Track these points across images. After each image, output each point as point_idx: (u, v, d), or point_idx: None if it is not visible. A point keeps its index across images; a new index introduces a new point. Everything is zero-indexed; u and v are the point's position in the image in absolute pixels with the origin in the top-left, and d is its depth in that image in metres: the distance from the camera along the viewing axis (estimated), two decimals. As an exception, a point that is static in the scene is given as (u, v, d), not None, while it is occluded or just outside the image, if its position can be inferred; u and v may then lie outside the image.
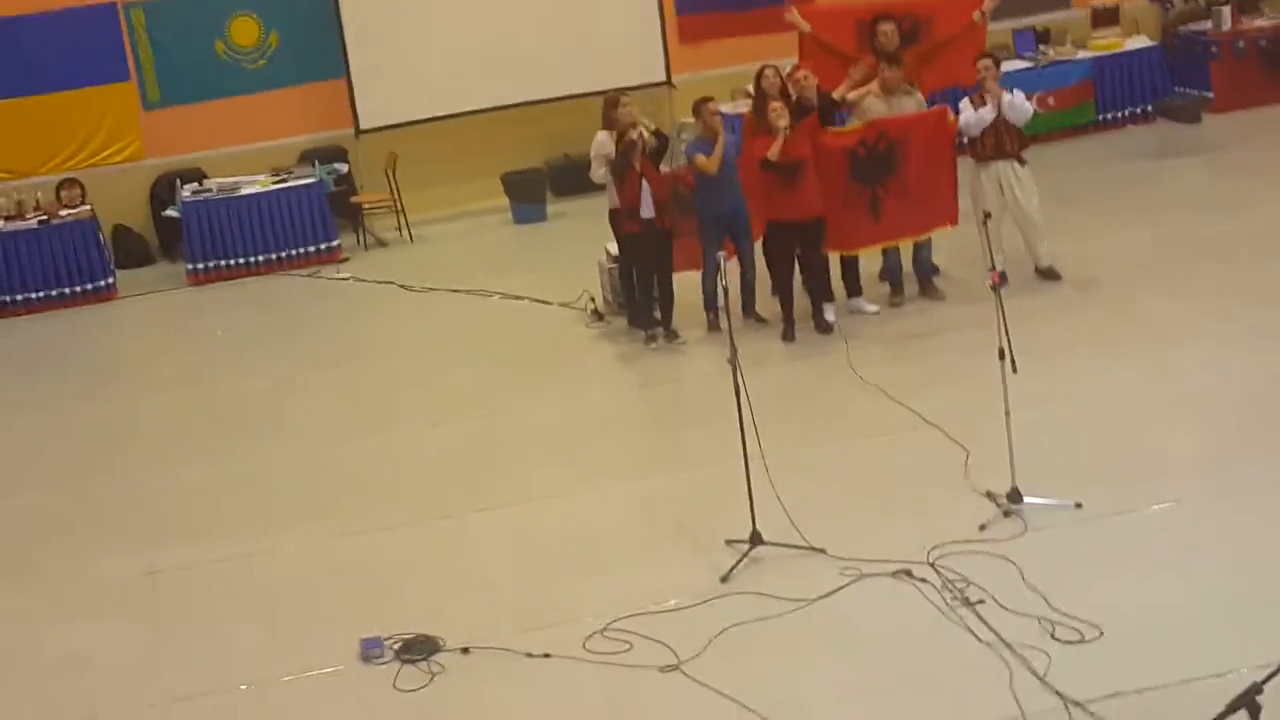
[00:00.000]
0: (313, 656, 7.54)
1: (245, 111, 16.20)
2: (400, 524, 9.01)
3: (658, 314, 11.52)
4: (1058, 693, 6.40)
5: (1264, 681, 4.97)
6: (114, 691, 7.49)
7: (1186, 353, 10.02)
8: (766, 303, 11.59)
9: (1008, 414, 8.01)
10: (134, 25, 16.03)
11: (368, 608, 7.92)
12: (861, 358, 10.64)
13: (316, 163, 15.91)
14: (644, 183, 11.15)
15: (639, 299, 11.63)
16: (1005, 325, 7.90)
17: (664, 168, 11.67)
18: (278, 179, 15.53)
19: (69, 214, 15.08)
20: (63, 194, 15.28)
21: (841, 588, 7.51)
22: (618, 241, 11.80)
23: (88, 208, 15.22)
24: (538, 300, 12.97)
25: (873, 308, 11.61)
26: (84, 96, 15.90)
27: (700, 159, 11.19)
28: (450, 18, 16.19)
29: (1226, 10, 16.77)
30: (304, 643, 7.70)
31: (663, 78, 16.71)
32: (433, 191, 16.28)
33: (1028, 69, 16.29)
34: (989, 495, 8.18)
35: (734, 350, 7.93)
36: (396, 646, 7.46)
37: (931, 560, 7.61)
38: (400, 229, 16.04)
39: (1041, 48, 16.84)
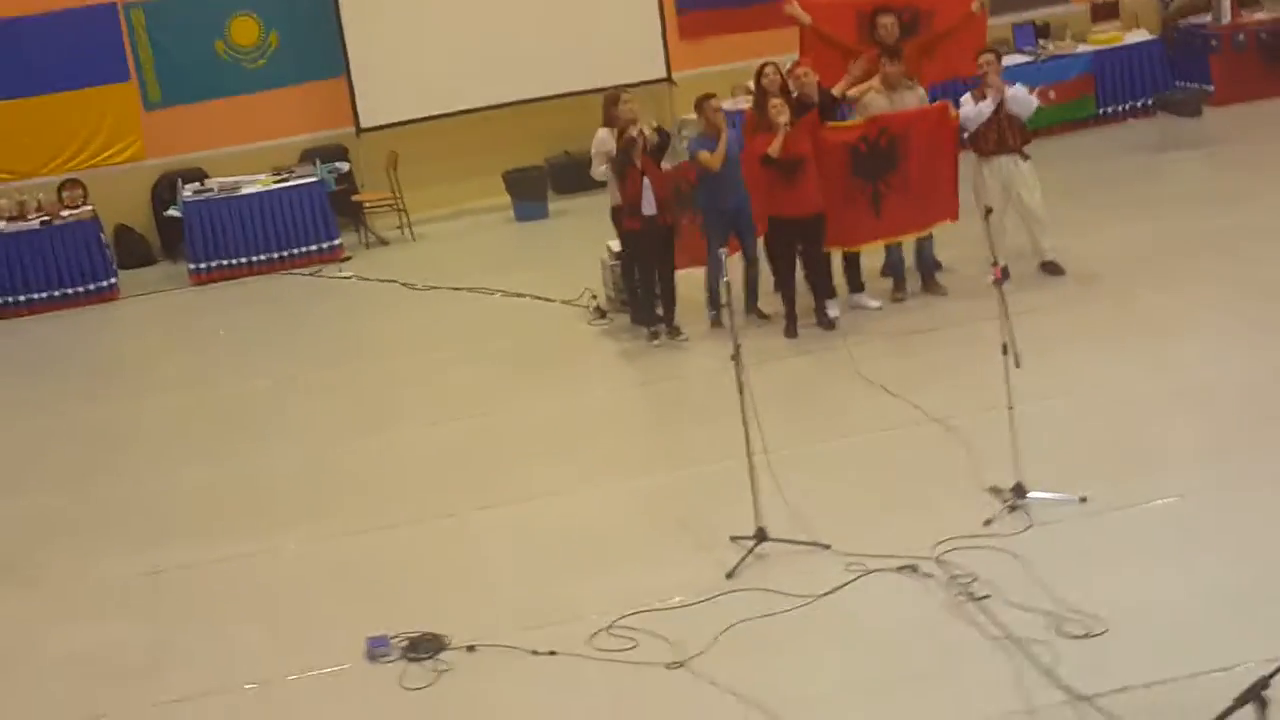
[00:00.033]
0: (316, 656, 7.53)
1: (246, 111, 16.21)
2: (402, 523, 9.01)
3: (660, 311, 11.52)
4: (1064, 687, 6.38)
5: (1271, 675, 4.98)
6: (117, 691, 7.48)
7: (1187, 346, 10.01)
8: (769, 299, 11.59)
9: (1011, 409, 8.01)
10: (134, 25, 16.03)
11: (370, 607, 7.91)
12: (864, 353, 10.63)
13: (317, 162, 15.90)
14: (645, 180, 11.15)
15: (641, 296, 11.62)
16: (1008, 320, 7.90)
17: (665, 164, 11.66)
18: (279, 178, 15.53)
19: (71, 214, 15.09)
20: (64, 194, 15.30)
21: (847, 583, 7.50)
22: (620, 238, 11.80)
23: (89, 208, 15.23)
24: (539, 298, 12.96)
25: (875, 303, 11.61)
26: (85, 97, 15.91)
27: (704, 155, 11.19)
28: (450, 16, 16.19)
29: (1226, 3, 16.73)
30: (307, 642, 7.70)
31: (663, 74, 16.71)
32: (434, 190, 16.28)
33: (1028, 63, 16.28)
34: (993, 490, 8.17)
35: (737, 346, 7.91)
36: (403, 645, 7.46)
37: (937, 555, 7.60)
38: (402, 227, 16.04)
39: (1041, 42, 16.84)
